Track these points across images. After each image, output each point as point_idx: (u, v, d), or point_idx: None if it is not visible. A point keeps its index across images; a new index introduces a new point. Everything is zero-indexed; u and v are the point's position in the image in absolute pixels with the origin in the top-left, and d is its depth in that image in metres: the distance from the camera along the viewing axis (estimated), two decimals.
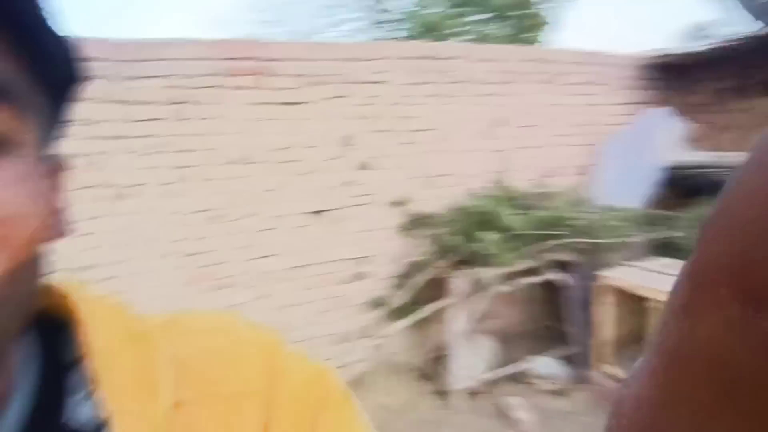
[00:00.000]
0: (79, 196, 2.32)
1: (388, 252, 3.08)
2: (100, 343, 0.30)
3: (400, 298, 3.00)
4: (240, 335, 0.38)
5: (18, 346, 0.29)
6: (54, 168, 0.30)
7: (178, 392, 0.31)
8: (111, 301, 0.34)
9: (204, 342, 0.36)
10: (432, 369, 3.06)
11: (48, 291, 0.32)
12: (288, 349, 0.38)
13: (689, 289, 0.14)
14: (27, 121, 0.26)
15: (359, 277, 3.03)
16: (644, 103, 3.71)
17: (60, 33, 0.27)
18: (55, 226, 0.30)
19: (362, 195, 3.01)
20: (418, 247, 3.10)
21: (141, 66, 2.49)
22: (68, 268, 2.23)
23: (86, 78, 0.31)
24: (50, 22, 0.26)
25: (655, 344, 0.16)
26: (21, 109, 0.25)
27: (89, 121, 2.37)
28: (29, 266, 0.26)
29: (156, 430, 0.29)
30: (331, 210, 2.93)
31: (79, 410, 0.29)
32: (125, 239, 2.51)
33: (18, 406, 0.28)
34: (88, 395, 0.30)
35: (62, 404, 0.30)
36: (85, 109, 2.29)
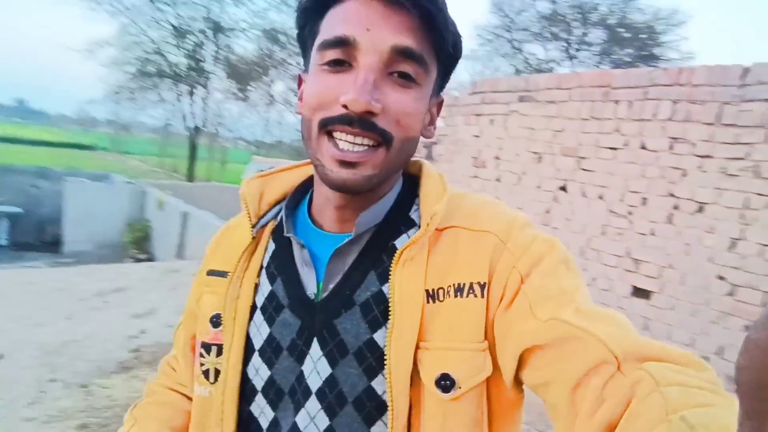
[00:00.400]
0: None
1: None
2: (426, 190, 0.56)
3: None
4: (502, 208, 0.55)
5: (396, 177, 0.57)
6: (437, 103, 0.58)
7: (450, 221, 0.53)
8: (438, 173, 0.58)
9: (477, 200, 0.57)
10: None
11: (415, 162, 0.61)
12: (532, 226, 0.54)
13: None
14: (426, 74, 0.51)
15: None
16: None
17: (452, 27, 0.51)
18: (426, 129, 0.56)
19: None
20: None
21: (745, 90, 2.60)
22: None
23: (459, 57, 0.56)
24: (448, 21, 0.50)
25: None
26: (424, 67, 0.50)
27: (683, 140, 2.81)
28: (410, 142, 0.53)
29: (429, 229, 0.51)
30: None
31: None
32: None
33: (383, 203, 0.56)
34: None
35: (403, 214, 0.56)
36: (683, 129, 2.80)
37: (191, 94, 16.29)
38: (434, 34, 0.49)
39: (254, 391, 0.56)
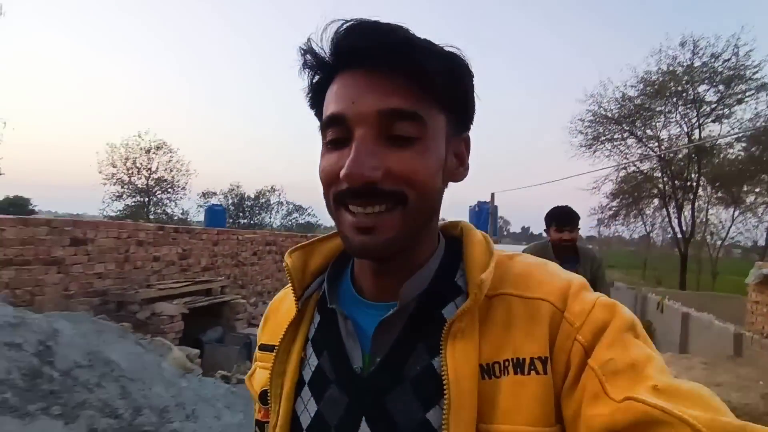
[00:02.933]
0: None
1: None
2: (471, 255, 0.54)
3: None
4: (554, 271, 0.54)
5: (434, 241, 0.57)
6: (462, 142, 0.57)
7: (500, 287, 0.52)
8: (482, 235, 0.56)
9: (526, 263, 0.55)
10: None
11: (455, 224, 0.60)
12: (588, 289, 0.51)
13: None
14: (426, 126, 0.50)
15: None
16: None
17: (451, 72, 0.50)
18: (455, 173, 0.56)
19: None
20: None
21: None
22: None
23: (472, 98, 0.54)
24: (436, 64, 0.48)
25: None
26: (419, 121, 0.49)
27: None
28: (427, 197, 0.51)
29: (478, 299, 0.49)
30: None
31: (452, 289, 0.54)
32: None
33: (427, 270, 0.55)
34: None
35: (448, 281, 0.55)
36: None
37: (679, 208, 17.49)
38: (422, 86, 0.49)
39: None
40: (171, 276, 7.66)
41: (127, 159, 21.09)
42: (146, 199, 21.57)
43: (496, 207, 10.33)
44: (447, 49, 0.51)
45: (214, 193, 24.00)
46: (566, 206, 2.86)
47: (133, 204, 21.77)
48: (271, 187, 25.34)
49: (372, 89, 0.48)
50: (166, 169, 21.76)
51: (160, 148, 21.40)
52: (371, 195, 0.48)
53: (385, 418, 0.50)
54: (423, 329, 0.52)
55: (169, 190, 21.02)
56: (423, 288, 0.54)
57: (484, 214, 10.11)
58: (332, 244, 0.63)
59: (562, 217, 2.79)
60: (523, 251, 2.61)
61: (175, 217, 21.63)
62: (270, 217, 25.68)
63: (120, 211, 21.07)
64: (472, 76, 0.53)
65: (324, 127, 0.52)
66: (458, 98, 0.53)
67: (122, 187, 21.22)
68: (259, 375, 0.63)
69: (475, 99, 0.55)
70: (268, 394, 0.58)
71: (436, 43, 0.51)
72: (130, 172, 21.13)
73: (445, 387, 0.47)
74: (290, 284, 0.59)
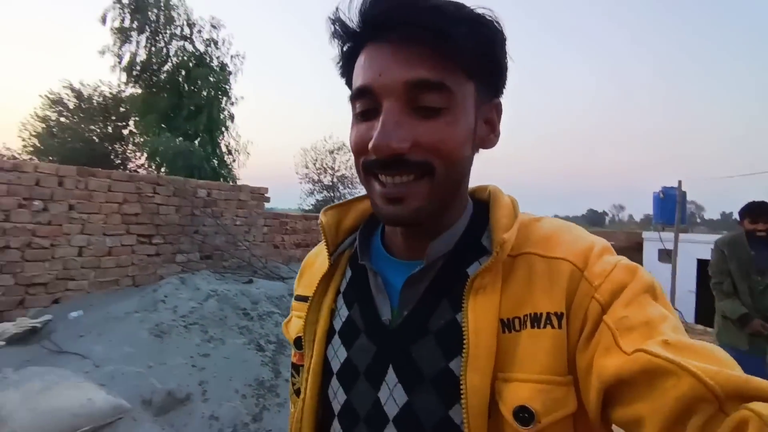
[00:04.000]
0: None
1: None
2: (497, 216, 0.55)
3: None
4: (579, 233, 0.55)
5: (463, 203, 0.58)
6: (493, 108, 0.56)
7: (523, 247, 0.53)
8: (509, 198, 0.58)
9: (551, 225, 0.56)
10: None
11: (484, 187, 0.61)
12: (612, 252, 0.52)
13: None
14: (454, 96, 0.49)
15: None
16: None
17: (479, 37, 0.49)
18: (486, 140, 0.56)
19: None
20: None
21: None
22: None
23: (502, 62, 0.53)
24: (459, 38, 0.47)
25: None
26: (446, 91, 0.49)
27: None
28: (456, 167, 0.52)
29: (500, 257, 0.50)
30: None
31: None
32: None
33: (454, 231, 0.56)
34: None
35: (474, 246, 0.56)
36: None
37: None
38: (451, 53, 0.48)
39: (332, 415, 0.58)
40: None
41: (315, 160, 24.83)
42: (332, 195, 25.08)
43: (684, 193, 9.90)
44: (478, 11, 0.50)
45: None
46: (762, 201, 3.00)
47: (321, 199, 25.53)
48: None
49: (397, 60, 0.48)
50: (346, 168, 24.86)
51: (340, 149, 24.60)
52: (399, 165, 0.49)
53: (411, 366, 0.52)
54: (448, 286, 0.54)
55: (349, 185, 23.85)
56: (449, 248, 0.55)
57: (670, 200, 9.78)
58: (365, 204, 0.65)
59: (756, 210, 2.91)
60: (716, 242, 3.08)
61: None
62: None
63: (312, 205, 24.86)
64: (504, 39, 0.52)
65: (353, 99, 0.53)
66: (488, 64, 0.52)
67: (313, 185, 25.10)
68: (294, 323, 0.67)
69: (508, 62, 0.54)
70: (303, 340, 0.61)
71: (468, 5, 0.50)
72: (318, 171, 24.85)
73: (464, 339, 0.49)
74: (324, 240, 0.63)
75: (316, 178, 25.16)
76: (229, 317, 3.79)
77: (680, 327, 0.45)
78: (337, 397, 0.58)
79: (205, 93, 12.09)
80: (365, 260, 0.60)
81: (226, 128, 12.78)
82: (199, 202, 5.43)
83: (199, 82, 12.04)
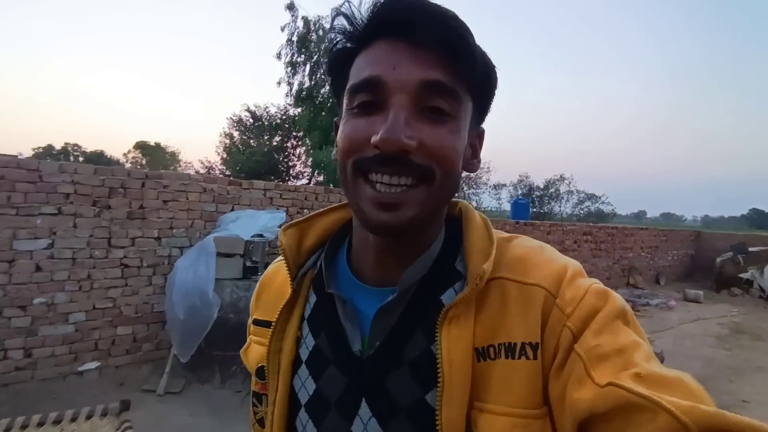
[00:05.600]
0: None
1: None
2: (471, 239, 0.54)
3: None
4: (551, 256, 0.53)
5: (439, 224, 0.56)
6: (478, 135, 0.57)
7: (496, 271, 0.51)
8: (481, 218, 0.57)
9: (523, 246, 0.55)
10: None
11: (453, 203, 0.60)
12: (583, 275, 0.51)
13: None
14: (460, 107, 0.50)
15: None
16: None
17: (481, 57, 0.50)
18: (469, 163, 0.55)
19: None
20: None
21: None
22: None
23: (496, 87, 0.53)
24: (476, 51, 0.49)
25: None
26: (456, 99, 0.49)
27: None
28: (452, 177, 0.50)
29: (477, 288, 0.49)
30: None
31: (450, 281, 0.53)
32: None
33: (428, 254, 0.54)
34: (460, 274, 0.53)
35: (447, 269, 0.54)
36: None
37: None
38: (462, 66, 0.49)
39: None
40: None
41: None
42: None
43: None
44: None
45: (504, 185, 24.64)
46: None
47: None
48: (560, 176, 24.60)
49: (414, 59, 0.48)
50: None
51: None
52: (402, 164, 0.47)
53: (385, 398, 0.51)
54: (421, 314, 0.52)
55: (473, 185, 24.25)
56: (423, 273, 0.53)
57: None
58: (327, 220, 0.63)
59: None
60: None
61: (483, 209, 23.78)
62: (560, 207, 26.08)
63: None
64: (497, 79, 0.54)
65: (354, 91, 0.50)
66: (486, 89, 0.54)
67: None
68: (254, 350, 0.63)
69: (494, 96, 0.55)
70: (266, 370, 0.58)
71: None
72: None
73: (439, 370, 0.48)
74: (285, 264, 0.59)
75: None
76: None
77: (652, 354, 0.45)
78: (306, 429, 0.55)
79: None
80: (332, 287, 0.57)
81: None
82: None
83: None
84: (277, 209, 5.72)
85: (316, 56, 14.38)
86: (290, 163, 18.04)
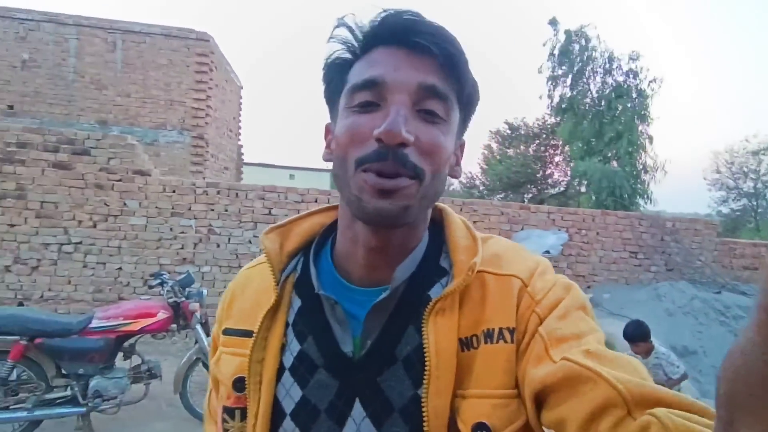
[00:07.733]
0: None
1: None
2: (454, 237, 0.57)
3: None
4: (525, 253, 0.58)
5: (424, 225, 0.57)
6: (461, 145, 0.59)
7: (482, 267, 0.54)
8: (461, 219, 0.60)
9: (500, 244, 0.59)
10: None
11: (435, 206, 0.60)
12: (552, 271, 0.55)
13: None
14: (451, 112, 0.53)
15: None
16: None
17: (470, 73, 0.53)
18: (453, 169, 0.57)
19: None
20: None
21: None
22: None
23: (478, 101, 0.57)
24: (468, 65, 0.53)
25: (760, 301, 0.22)
26: (448, 105, 0.52)
27: None
28: (439, 179, 0.53)
29: (465, 280, 0.52)
30: None
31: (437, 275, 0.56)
32: None
33: (417, 253, 0.56)
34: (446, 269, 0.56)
35: (434, 263, 0.57)
36: None
37: None
38: (456, 76, 0.52)
39: None
40: None
41: (731, 164, 21.73)
42: (755, 203, 21.40)
43: None
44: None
45: None
46: None
47: (737, 208, 22.15)
48: None
49: (412, 64, 0.51)
50: None
51: None
52: (398, 158, 0.49)
53: (380, 397, 0.51)
54: (413, 311, 0.53)
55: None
56: (412, 271, 0.56)
57: None
58: (307, 225, 0.63)
59: None
60: None
61: None
62: None
63: (725, 215, 21.87)
64: (479, 99, 0.58)
65: (355, 90, 0.52)
66: (472, 104, 0.57)
67: (727, 192, 22.09)
68: (227, 361, 0.59)
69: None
70: (246, 382, 0.56)
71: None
72: (735, 176, 21.71)
73: (426, 361, 0.50)
74: (269, 269, 0.58)
75: (732, 184, 22.20)
76: (708, 313, 5.56)
77: (603, 340, 0.49)
78: None
79: (623, 119, 13.40)
80: (321, 290, 0.56)
81: (644, 149, 13.70)
82: (666, 230, 7.52)
83: (619, 107, 13.48)
84: (559, 230, 6.67)
85: (578, 66, 14.50)
86: (547, 172, 18.48)
